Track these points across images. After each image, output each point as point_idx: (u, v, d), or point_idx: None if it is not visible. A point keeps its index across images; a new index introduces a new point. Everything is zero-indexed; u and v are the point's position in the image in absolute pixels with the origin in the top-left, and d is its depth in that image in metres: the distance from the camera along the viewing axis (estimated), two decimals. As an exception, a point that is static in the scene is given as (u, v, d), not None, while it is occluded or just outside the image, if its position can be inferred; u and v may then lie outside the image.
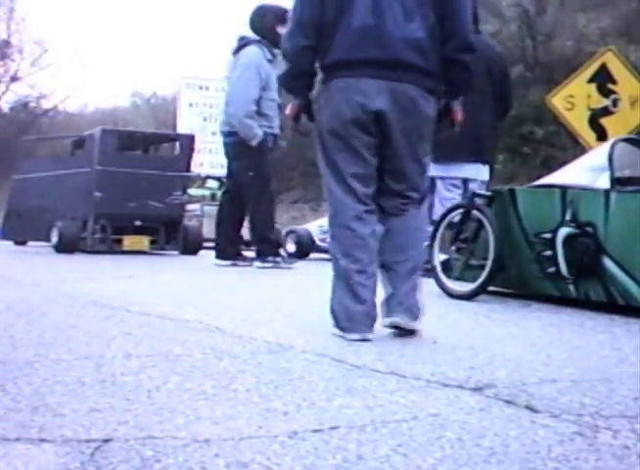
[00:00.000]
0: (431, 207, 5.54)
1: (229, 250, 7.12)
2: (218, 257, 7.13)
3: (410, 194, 3.33)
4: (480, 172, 6.08)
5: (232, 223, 7.17)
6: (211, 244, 10.21)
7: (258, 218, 6.95)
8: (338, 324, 3.15)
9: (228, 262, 7.01)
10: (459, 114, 3.43)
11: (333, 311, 3.21)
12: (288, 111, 3.47)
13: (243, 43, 6.97)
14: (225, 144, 7.10)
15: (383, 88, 3.20)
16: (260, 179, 6.77)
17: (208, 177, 12.82)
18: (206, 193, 12.32)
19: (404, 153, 3.27)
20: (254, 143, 6.73)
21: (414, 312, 3.24)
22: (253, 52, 6.84)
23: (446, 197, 6.03)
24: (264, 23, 6.86)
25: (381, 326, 3.15)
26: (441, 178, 5.97)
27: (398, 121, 3.23)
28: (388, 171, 3.29)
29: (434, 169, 5.41)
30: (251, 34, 6.98)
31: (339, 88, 3.24)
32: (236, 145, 6.81)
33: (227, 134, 6.96)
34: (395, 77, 3.21)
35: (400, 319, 3.22)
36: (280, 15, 6.63)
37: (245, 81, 6.77)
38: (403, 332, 3.23)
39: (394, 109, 3.21)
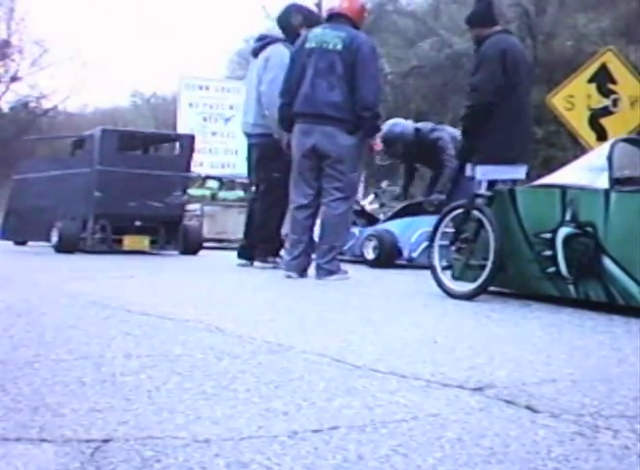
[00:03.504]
0: None
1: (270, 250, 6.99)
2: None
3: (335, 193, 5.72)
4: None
5: (276, 225, 7.00)
6: (211, 244, 10.26)
7: (273, 219, 6.88)
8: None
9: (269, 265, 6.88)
10: (374, 146, 6.08)
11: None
12: (284, 141, 6.14)
13: (267, 41, 6.85)
14: (258, 145, 6.85)
15: (316, 130, 5.68)
16: (285, 181, 6.61)
17: (208, 177, 12.82)
18: (207, 193, 12.32)
19: (330, 164, 5.70)
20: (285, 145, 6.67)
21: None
22: (283, 51, 6.63)
23: None
24: (292, 22, 6.75)
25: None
26: (504, 181, 5.77)
27: (324, 148, 5.66)
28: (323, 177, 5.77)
29: (494, 172, 5.47)
30: (267, 33, 6.92)
31: (297, 129, 5.78)
32: (270, 147, 6.60)
33: (262, 136, 6.72)
34: (322, 123, 5.65)
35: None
36: (308, 18, 6.70)
37: (280, 83, 6.61)
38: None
39: (322, 141, 5.66)
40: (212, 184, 12.62)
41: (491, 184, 5.26)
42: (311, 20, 6.65)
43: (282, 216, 6.87)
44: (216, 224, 11.14)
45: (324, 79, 5.65)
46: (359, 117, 5.63)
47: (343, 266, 5.95)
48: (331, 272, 5.70)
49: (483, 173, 5.51)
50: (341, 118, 5.62)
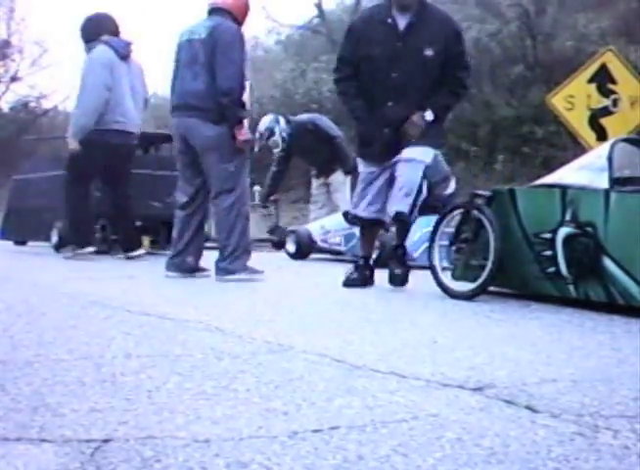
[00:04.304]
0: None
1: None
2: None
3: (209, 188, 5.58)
4: None
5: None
6: (214, 244, 10.23)
7: None
8: None
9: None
10: (239, 134, 5.39)
11: None
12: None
13: None
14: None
15: (182, 122, 5.57)
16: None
17: None
18: None
19: (200, 156, 5.52)
20: None
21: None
22: None
23: None
24: None
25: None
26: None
27: (190, 140, 5.52)
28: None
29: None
30: None
31: (172, 124, 5.85)
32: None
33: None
34: (187, 115, 5.52)
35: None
36: None
37: None
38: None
39: (188, 133, 5.52)
40: None
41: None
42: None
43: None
44: None
45: (189, 69, 5.54)
46: (219, 104, 5.39)
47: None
48: (228, 271, 5.44)
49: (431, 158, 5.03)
50: (203, 108, 5.43)
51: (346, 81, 5.11)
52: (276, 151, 9.37)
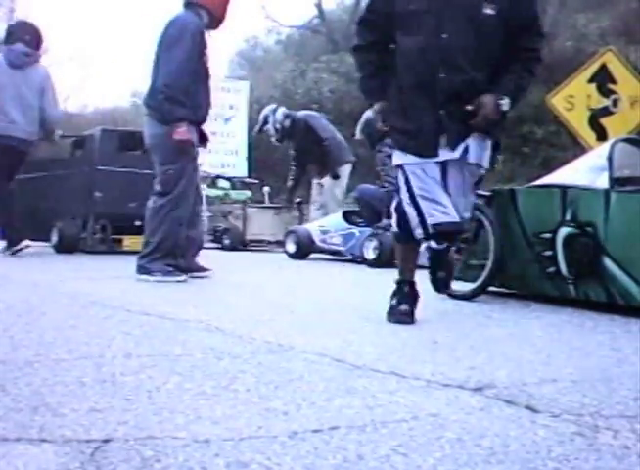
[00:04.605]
0: None
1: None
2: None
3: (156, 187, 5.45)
4: None
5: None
6: (213, 244, 10.24)
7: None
8: None
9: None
10: (175, 133, 5.20)
11: None
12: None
13: None
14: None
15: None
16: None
17: (219, 177, 12.78)
18: (220, 193, 12.26)
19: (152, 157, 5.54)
20: None
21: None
22: None
23: None
24: None
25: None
26: None
27: (144, 138, 5.51)
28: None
29: None
30: None
31: None
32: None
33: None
34: (144, 114, 5.52)
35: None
36: None
37: None
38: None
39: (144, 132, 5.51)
40: (224, 184, 12.58)
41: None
42: None
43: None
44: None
45: (152, 68, 5.39)
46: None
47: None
48: (144, 270, 5.37)
49: None
50: (152, 106, 5.36)
51: (365, 52, 3.81)
52: (272, 139, 9.55)
